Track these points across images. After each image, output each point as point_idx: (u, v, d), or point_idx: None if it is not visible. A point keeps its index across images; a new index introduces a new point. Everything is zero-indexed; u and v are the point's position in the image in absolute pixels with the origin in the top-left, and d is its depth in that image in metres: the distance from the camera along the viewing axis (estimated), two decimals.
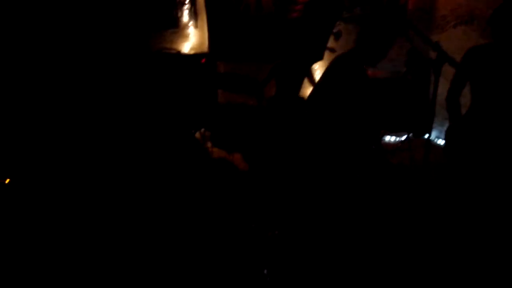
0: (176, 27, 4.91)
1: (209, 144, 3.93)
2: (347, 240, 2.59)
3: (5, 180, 3.19)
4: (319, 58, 3.75)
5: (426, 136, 2.57)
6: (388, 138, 4.81)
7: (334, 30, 2.95)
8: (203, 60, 3.99)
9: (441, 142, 4.77)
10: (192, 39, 5.00)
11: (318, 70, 4.95)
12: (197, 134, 3.99)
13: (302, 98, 4.02)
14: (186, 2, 4.87)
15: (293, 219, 2.79)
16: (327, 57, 4.11)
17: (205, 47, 5.03)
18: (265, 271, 2.33)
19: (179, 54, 4.26)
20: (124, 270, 2.35)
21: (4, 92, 3.47)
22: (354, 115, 2.58)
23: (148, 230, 2.74)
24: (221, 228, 2.80)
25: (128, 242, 2.61)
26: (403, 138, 4.07)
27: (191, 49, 4.99)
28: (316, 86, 2.86)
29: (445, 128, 2.66)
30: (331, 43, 3.12)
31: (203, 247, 2.58)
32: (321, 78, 2.73)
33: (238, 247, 2.59)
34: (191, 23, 4.94)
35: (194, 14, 4.93)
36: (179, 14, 4.88)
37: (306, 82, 3.97)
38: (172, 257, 2.48)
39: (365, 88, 2.58)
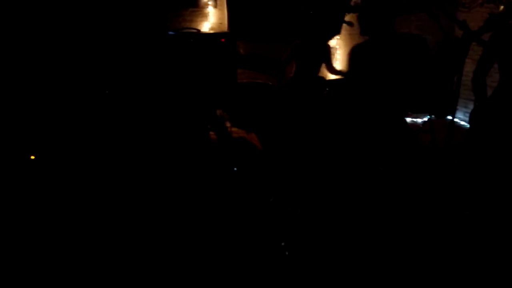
0: (196, 6, 4.90)
1: (228, 124, 3.95)
2: (367, 217, 2.60)
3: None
4: (336, 32, 3.72)
5: (449, 117, 2.53)
6: (409, 119, 4.75)
7: (352, 4, 2.90)
8: (223, 40, 3.98)
9: (463, 123, 4.70)
10: (211, 18, 4.98)
11: (338, 49, 4.89)
12: (217, 113, 4.01)
13: (321, 78, 3.99)
14: None
15: (312, 196, 2.81)
16: (346, 32, 4.05)
17: (224, 27, 5.02)
18: (283, 244, 2.37)
19: (198, 33, 4.25)
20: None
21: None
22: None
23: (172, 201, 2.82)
24: (239, 204, 2.85)
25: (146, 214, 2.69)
26: (425, 119, 4.01)
27: (211, 28, 4.98)
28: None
29: (468, 109, 2.61)
30: (349, 17, 3.05)
31: (223, 221, 2.64)
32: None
33: (257, 221, 2.64)
34: (210, 2, 4.92)
35: None
36: None
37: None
38: (190, 230, 2.54)
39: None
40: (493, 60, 2.40)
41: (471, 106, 2.56)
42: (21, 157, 3.24)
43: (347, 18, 3.42)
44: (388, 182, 2.80)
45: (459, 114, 4.92)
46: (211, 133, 3.83)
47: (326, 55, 3.87)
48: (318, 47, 3.78)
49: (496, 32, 2.37)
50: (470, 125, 2.59)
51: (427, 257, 2.29)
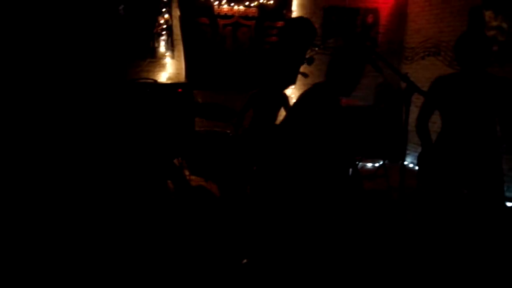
0: (153, 57, 4.97)
1: (187, 172, 3.89)
2: (322, 265, 2.59)
3: None
4: (291, 82, 3.85)
5: (400, 162, 2.63)
6: (365, 165, 4.89)
7: (307, 56, 3.03)
8: (180, 90, 4.02)
9: (414, 166, 4.91)
10: (169, 69, 5.05)
11: (293, 98, 5.05)
12: (175, 162, 3.95)
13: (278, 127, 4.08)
14: (163, 33, 4.95)
15: (267, 246, 2.77)
16: (301, 82, 4.25)
17: (182, 77, 5.09)
18: None
19: (156, 83, 4.28)
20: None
21: None
22: (327, 142, 2.63)
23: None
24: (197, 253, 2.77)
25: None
26: (379, 164, 4.15)
27: (168, 78, 5.03)
28: (289, 114, 2.89)
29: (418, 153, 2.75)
30: (304, 68, 3.21)
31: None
32: (294, 107, 2.77)
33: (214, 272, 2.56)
34: (168, 53, 5.01)
35: (171, 45, 5.01)
36: (156, 45, 4.95)
37: (282, 110, 4.03)
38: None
39: (338, 118, 2.65)
40: (432, 108, 2.56)
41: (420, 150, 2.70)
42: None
43: (302, 69, 3.59)
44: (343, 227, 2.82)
45: (411, 158, 5.15)
46: (169, 181, 3.75)
47: (284, 104, 3.97)
48: (274, 96, 3.89)
49: (434, 83, 2.54)
50: (418, 168, 2.70)
51: None
